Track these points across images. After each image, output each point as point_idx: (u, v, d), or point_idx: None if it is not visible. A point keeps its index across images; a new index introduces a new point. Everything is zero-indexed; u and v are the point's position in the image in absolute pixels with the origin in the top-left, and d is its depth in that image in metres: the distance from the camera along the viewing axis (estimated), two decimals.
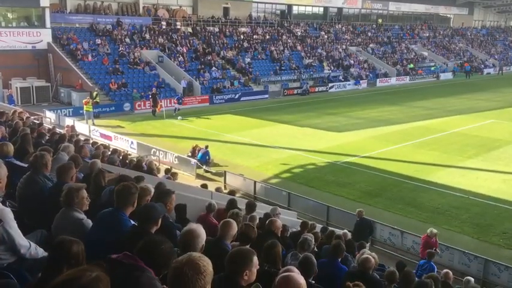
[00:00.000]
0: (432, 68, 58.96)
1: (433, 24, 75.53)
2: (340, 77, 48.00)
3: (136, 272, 2.87)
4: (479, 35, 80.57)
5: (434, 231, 11.20)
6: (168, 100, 32.87)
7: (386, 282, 5.87)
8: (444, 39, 71.80)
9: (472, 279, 8.47)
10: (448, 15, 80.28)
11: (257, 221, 6.78)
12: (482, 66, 65.94)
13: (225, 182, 17.57)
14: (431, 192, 17.35)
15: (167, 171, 14.92)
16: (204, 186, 13.66)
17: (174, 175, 13.71)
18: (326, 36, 56.07)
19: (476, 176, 19.27)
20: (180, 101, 31.20)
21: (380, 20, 67.57)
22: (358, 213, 12.33)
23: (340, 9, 63.34)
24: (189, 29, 45.31)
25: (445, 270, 7.96)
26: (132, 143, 21.95)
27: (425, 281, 5.09)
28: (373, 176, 19.16)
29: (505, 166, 20.48)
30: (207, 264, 2.42)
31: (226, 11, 50.72)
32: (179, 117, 29.71)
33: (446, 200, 16.54)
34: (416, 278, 6.61)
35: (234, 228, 4.55)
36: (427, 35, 70.37)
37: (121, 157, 14.00)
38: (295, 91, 42.14)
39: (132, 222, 4.13)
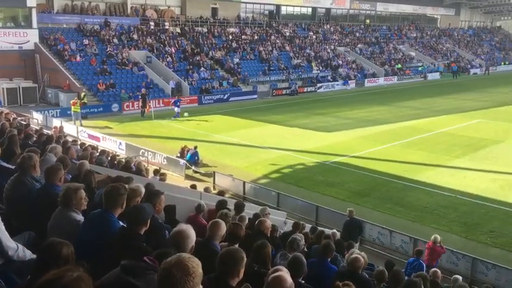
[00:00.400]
0: (420, 68, 59.46)
1: (420, 24, 76.15)
2: (329, 77, 48.21)
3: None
4: (466, 35, 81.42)
5: (439, 238, 11.06)
6: (157, 101, 32.76)
7: (375, 281, 5.90)
8: (431, 40, 72.45)
9: (460, 278, 8.55)
10: (435, 16, 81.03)
11: (246, 221, 6.78)
12: (469, 66, 66.65)
13: (214, 183, 17.55)
14: (420, 191, 17.48)
15: (156, 172, 14.85)
16: (193, 186, 13.63)
17: (163, 176, 13.66)
18: (314, 37, 56.27)
19: (463, 175, 19.46)
20: (178, 103, 30.82)
21: (368, 21, 67.98)
22: (349, 213, 12.36)
23: (328, 10, 63.61)
24: (178, 30, 45.18)
25: (433, 269, 8.03)
26: (120, 143, 21.82)
27: (414, 280, 5.12)
28: (362, 175, 19.26)
29: (492, 165, 20.70)
30: (196, 265, 2.39)
31: (214, 11, 50.67)
32: (186, 114, 30.49)
33: (435, 199, 16.67)
34: (405, 277, 6.66)
35: (223, 228, 4.54)
36: (415, 35, 70.94)
37: (109, 158, 13.91)
38: (284, 91, 42.22)
39: (121, 223, 4.11)
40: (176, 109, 30.35)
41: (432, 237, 11.00)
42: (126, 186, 4.74)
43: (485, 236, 13.81)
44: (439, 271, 7.85)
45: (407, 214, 15.42)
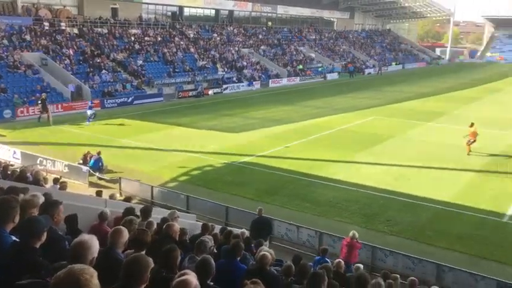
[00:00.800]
0: (319, 69, 62.21)
1: (318, 27, 79.75)
2: (234, 79, 48.75)
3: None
4: (360, 37, 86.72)
5: (356, 233, 11.34)
6: (55, 106, 30.94)
7: (283, 276, 6.07)
8: (329, 42, 76.15)
9: (362, 266, 9.08)
10: (332, 19, 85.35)
11: (154, 226, 6.64)
12: (364, 66, 71.01)
13: (120, 189, 16.96)
14: (324, 187, 18.25)
15: (55, 180, 14.02)
16: (99, 193, 13.08)
17: (64, 184, 12.95)
18: (219, 38, 56.58)
19: (363, 169, 20.66)
20: (91, 106, 29.59)
21: (270, 23, 69.78)
22: (258, 211, 12.54)
23: (231, 12, 64.36)
24: (75, 30, 42.98)
25: (337, 260, 8.42)
26: (14, 152, 20.25)
27: (319, 271, 5.34)
28: (269, 174, 19.70)
29: (387, 159, 22.19)
30: (90, 277, 2.27)
31: (114, 11, 48.95)
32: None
33: (338, 194, 17.50)
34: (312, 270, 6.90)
35: (125, 235, 4.39)
36: (314, 37, 74.10)
37: (1, 168, 12.89)
38: (190, 93, 41.95)
39: (14, 238, 3.82)
40: (89, 112, 29.01)
41: (350, 233, 11.34)
42: (19, 197, 4.41)
43: (383, 225, 14.79)
44: (342, 261, 8.27)
45: (313, 209, 16.03)
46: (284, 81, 53.34)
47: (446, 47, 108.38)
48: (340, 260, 8.29)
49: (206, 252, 5.61)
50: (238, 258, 6.09)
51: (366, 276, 5.21)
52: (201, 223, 9.67)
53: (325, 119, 32.04)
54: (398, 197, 17.13)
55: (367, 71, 69.38)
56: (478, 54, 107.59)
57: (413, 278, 8.27)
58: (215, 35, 57.09)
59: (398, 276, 8.47)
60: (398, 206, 16.39)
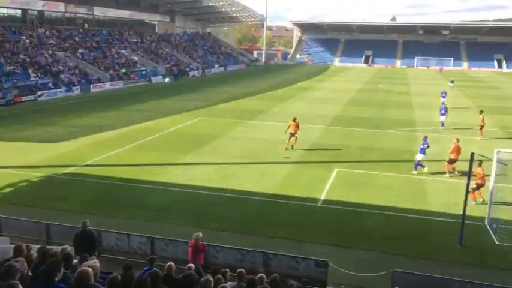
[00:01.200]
0: (144, 72, 61.26)
1: (139, 30, 78.39)
2: (50, 84, 45.09)
3: None
4: (182, 40, 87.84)
5: (200, 234, 11.19)
6: None
7: None
8: (152, 45, 75.46)
9: (193, 266, 9.14)
10: (153, 22, 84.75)
11: None
12: (188, 69, 72.13)
13: None
14: (156, 191, 17.97)
15: None
16: None
17: None
18: (28, 41, 51.62)
19: (192, 170, 20.93)
20: None
21: (86, 25, 66.14)
22: (82, 225, 11.72)
23: (41, 12, 59.25)
24: None
25: (168, 263, 8.33)
26: None
27: (142, 278, 5.20)
28: (96, 184, 18.68)
29: (214, 158, 22.85)
30: None
31: None
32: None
33: (170, 197, 17.40)
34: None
35: None
36: (135, 40, 72.62)
37: None
38: None
39: None
40: None
41: (194, 235, 11.20)
42: None
43: (214, 222, 15.18)
44: (173, 264, 8.18)
45: (144, 215, 15.65)
46: (107, 86, 51.23)
47: (262, 49, 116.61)
48: (171, 263, 8.22)
49: (15, 277, 5.01)
50: (57, 278, 5.60)
51: (193, 275, 5.24)
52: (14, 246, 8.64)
53: (153, 123, 31.68)
54: (227, 194, 17.76)
55: (191, 73, 70.60)
56: (289, 56, 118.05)
57: (241, 269, 8.61)
58: (24, 37, 51.93)
59: (227, 270, 8.72)
60: (227, 203, 16.99)
